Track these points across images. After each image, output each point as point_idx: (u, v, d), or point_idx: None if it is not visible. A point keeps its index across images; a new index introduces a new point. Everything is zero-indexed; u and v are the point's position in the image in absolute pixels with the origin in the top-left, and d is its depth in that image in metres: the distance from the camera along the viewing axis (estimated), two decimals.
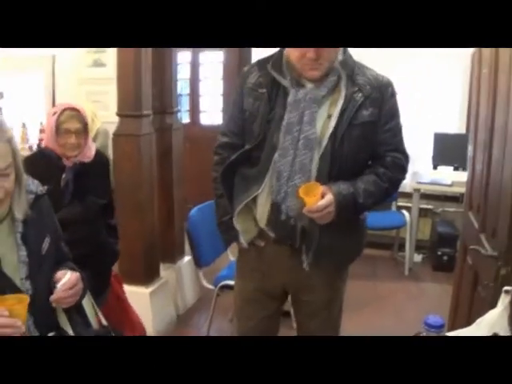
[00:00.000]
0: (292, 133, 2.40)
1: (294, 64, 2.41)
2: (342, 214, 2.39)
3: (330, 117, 2.41)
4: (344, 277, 2.76)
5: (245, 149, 2.54)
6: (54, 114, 3.17)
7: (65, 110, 3.17)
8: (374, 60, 6.25)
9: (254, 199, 2.55)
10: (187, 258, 5.05)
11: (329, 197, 2.33)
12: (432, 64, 6.36)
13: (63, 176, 3.19)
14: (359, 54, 2.58)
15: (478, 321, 1.84)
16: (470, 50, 5.73)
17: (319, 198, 2.31)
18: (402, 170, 2.59)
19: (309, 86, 2.43)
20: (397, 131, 2.57)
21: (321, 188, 2.32)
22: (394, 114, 2.55)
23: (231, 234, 2.64)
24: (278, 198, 2.46)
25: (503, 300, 1.83)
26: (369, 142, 2.47)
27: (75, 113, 3.17)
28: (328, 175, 2.41)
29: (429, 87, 6.48)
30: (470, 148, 3.11)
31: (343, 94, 2.41)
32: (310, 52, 2.29)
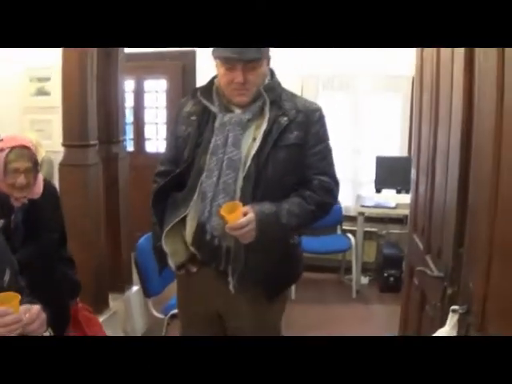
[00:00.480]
0: (217, 154, 2.51)
1: (224, 90, 2.55)
2: (265, 233, 2.44)
3: (254, 139, 2.52)
4: (277, 305, 2.76)
5: (175, 173, 2.64)
6: (1, 151, 2.99)
7: (13, 147, 2.97)
8: (314, 83, 6.43)
9: (184, 222, 2.61)
10: (136, 288, 5.01)
11: (250, 215, 2.40)
12: (373, 88, 6.48)
13: (12, 217, 3.04)
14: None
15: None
16: (410, 74, 5.88)
17: (240, 216, 2.38)
18: (330, 193, 2.67)
19: (236, 111, 2.56)
20: (325, 155, 2.66)
21: (241, 206, 2.41)
22: (321, 137, 2.65)
23: (163, 259, 2.68)
24: (203, 218, 2.54)
25: (451, 319, 1.89)
26: (295, 164, 2.56)
27: (25, 151, 3.00)
28: (252, 196, 2.49)
29: (370, 111, 6.60)
30: (413, 171, 3.17)
31: (267, 117, 2.52)
32: (238, 77, 2.43)
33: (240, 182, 2.50)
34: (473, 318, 1.87)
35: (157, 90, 7.36)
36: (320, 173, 2.62)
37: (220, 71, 2.53)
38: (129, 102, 7.24)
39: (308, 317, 5.21)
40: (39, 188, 3.14)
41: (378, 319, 5.39)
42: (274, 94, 2.55)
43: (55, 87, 6.10)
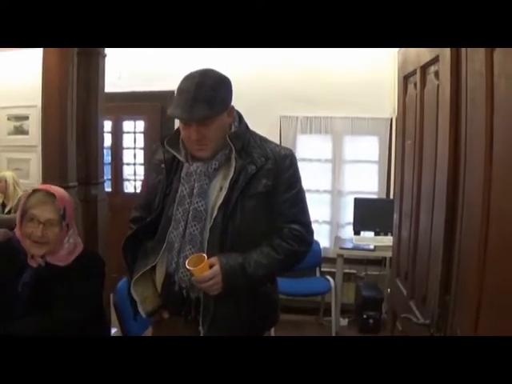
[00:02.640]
0: (183, 205, 2.49)
1: (186, 145, 2.53)
2: (231, 285, 2.42)
3: (221, 189, 2.48)
4: None
5: (145, 222, 2.62)
6: (26, 193, 2.64)
7: (37, 190, 2.60)
8: (292, 125, 6.47)
9: (154, 271, 2.61)
10: (114, 330, 4.93)
11: (215, 268, 2.38)
12: (351, 130, 6.53)
13: (22, 277, 2.56)
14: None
15: None
16: (389, 115, 5.95)
17: (205, 269, 2.36)
18: (301, 241, 2.59)
19: (198, 159, 2.51)
20: (295, 201, 2.58)
21: (206, 259, 2.37)
22: (291, 184, 2.56)
23: (134, 306, 2.65)
24: (170, 269, 2.52)
25: None
26: (264, 213, 2.51)
27: (49, 198, 2.56)
28: (219, 247, 2.45)
29: (349, 154, 6.64)
30: (395, 215, 3.18)
31: (233, 166, 2.46)
32: (192, 134, 2.40)
33: (207, 233, 2.47)
34: None
35: (135, 131, 7.34)
36: (290, 221, 2.56)
37: (180, 126, 2.50)
38: (107, 142, 7.23)
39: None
40: (68, 254, 2.66)
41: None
42: (241, 142, 2.50)
43: (33, 126, 6.08)
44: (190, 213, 2.46)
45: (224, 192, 2.45)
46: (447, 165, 2.13)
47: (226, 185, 2.46)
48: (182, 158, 2.54)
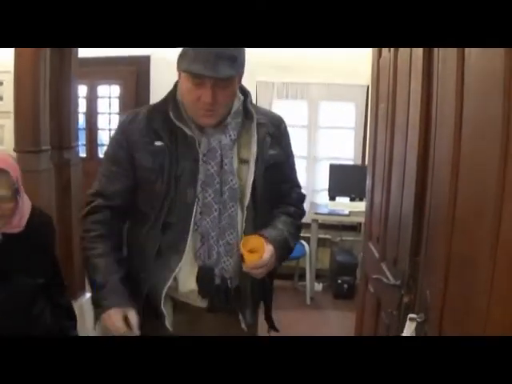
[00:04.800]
0: (213, 185, 2.17)
1: (187, 108, 2.20)
2: (280, 262, 2.31)
3: (243, 162, 2.26)
4: None
5: (152, 216, 2.22)
6: None
7: None
8: (268, 91, 6.44)
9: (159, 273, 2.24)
10: (89, 295, 4.94)
11: (270, 248, 2.19)
12: (328, 97, 6.53)
13: None
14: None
15: None
16: (365, 83, 5.94)
17: (266, 251, 2.15)
18: (303, 202, 2.59)
19: (210, 131, 2.22)
20: (294, 165, 2.56)
21: (263, 241, 2.17)
22: (291, 149, 2.49)
23: (116, 302, 2.19)
24: (210, 263, 2.20)
25: (409, 327, 1.91)
26: (277, 182, 2.38)
27: (2, 177, 2.31)
28: (253, 225, 2.26)
29: (325, 120, 6.64)
30: (368, 180, 3.20)
31: (255, 136, 2.27)
32: (207, 96, 2.07)
33: (244, 213, 2.24)
34: (430, 327, 1.89)
35: (110, 96, 7.27)
36: (296, 185, 2.53)
37: (184, 86, 2.14)
38: (82, 107, 7.16)
39: (262, 323, 5.19)
40: (21, 220, 2.47)
41: (332, 325, 5.41)
42: (252, 109, 2.30)
43: (8, 92, 6.00)
44: (227, 193, 2.18)
45: (252, 166, 2.24)
46: (418, 130, 2.15)
47: (251, 157, 2.25)
48: (190, 132, 2.19)
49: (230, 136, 2.22)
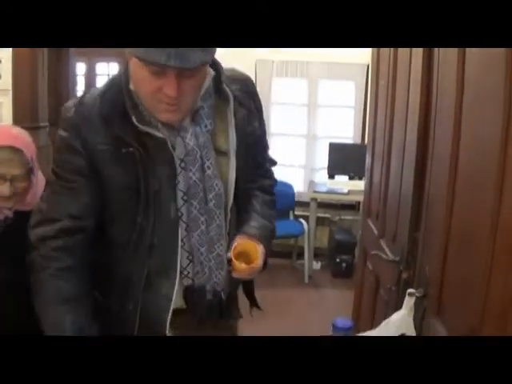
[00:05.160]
0: (197, 195, 1.80)
1: (144, 102, 1.70)
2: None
3: (220, 154, 1.86)
4: None
5: (133, 236, 1.81)
6: None
7: (0, 148, 2.18)
8: (268, 69, 6.42)
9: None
10: None
11: (261, 249, 1.93)
12: (328, 75, 6.51)
13: None
14: None
15: (385, 322, 1.91)
16: (365, 62, 5.92)
17: (257, 257, 1.89)
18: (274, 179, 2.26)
19: (181, 124, 1.77)
20: (265, 131, 2.16)
21: (255, 245, 1.90)
22: (262, 112, 2.07)
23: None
24: (201, 280, 1.89)
25: (408, 302, 1.92)
26: (254, 156, 2.04)
27: (14, 154, 2.17)
28: (236, 225, 1.98)
29: (324, 98, 6.63)
30: (367, 157, 3.20)
31: (232, 121, 1.86)
32: (170, 88, 1.59)
33: (226, 215, 1.93)
34: (429, 302, 1.91)
35: (109, 73, 7.25)
36: (267, 153, 2.18)
37: (139, 74, 1.63)
38: (80, 85, 7.14)
39: (260, 300, 5.21)
40: (34, 197, 2.28)
41: (330, 303, 5.43)
42: (221, 81, 1.83)
43: (6, 70, 5.97)
44: (213, 201, 1.83)
45: (233, 159, 1.87)
46: (419, 108, 2.15)
47: (230, 148, 1.86)
48: (159, 134, 1.73)
49: (205, 127, 1.80)
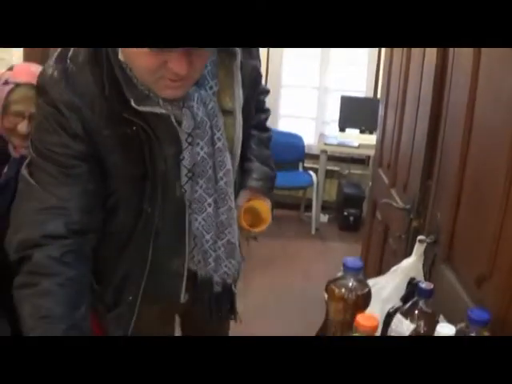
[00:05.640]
0: (205, 173, 1.59)
1: (142, 79, 1.42)
2: None
3: (227, 114, 1.62)
4: None
5: (139, 224, 1.60)
6: (5, 84, 2.24)
7: (20, 84, 2.22)
8: None
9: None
10: None
11: (269, 205, 1.85)
12: None
13: (5, 170, 2.29)
14: None
15: (393, 269, 1.90)
16: None
17: (269, 216, 1.81)
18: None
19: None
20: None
21: (266, 205, 1.82)
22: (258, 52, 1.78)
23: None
24: (206, 269, 1.72)
25: (418, 249, 1.91)
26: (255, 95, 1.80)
27: (34, 92, 1.89)
28: (239, 189, 1.81)
29: (337, 51, 6.54)
30: (381, 106, 3.17)
31: (239, 75, 1.61)
32: (177, 64, 1.30)
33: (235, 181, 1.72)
34: (439, 249, 1.89)
35: None
36: (261, 87, 1.92)
37: (136, 49, 1.31)
38: None
39: (267, 250, 5.22)
40: None
41: (336, 255, 5.40)
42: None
43: None
44: (223, 179, 1.62)
45: (239, 117, 1.63)
46: (435, 57, 2.12)
47: (237, 105, 1.62)
48: (162, 110, 1.46)
49: (210, 88, 1.56)
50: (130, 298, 1.67)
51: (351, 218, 6.12)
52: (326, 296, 1.41)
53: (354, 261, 1.40)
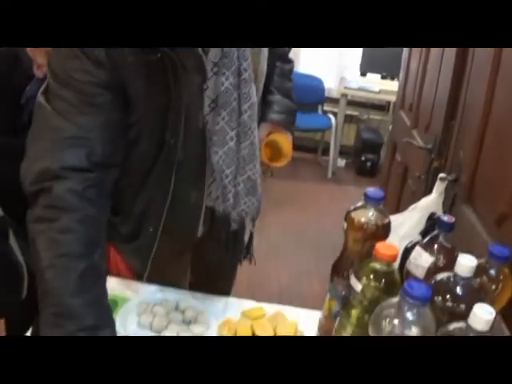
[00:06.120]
0: (228, 104, 1.52)
1: None
2: None
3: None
4: None
5: (161, 156, 1.53)
6: None
7: None
8: None
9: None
10: None
11: (291, 139, 1.81)
12: None
13: (27, 88, 2.12)
14: None
15: (412, 206, 1.90)
16: None
17: (290, 151, 1.78)
18: None
19: None
20: None
21: (288, 139, 1.79)
22: None
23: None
24: (227, 208, 1.66)
25: (438, 187, 1.89)
26: None
27: None
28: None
29: None
30: (405, 50, 3.13)
31: None
32: None
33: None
34: (460, 188, 1.88)
35: None
36: None
37: None
38: None
39: (283, 191, 5.23)
40: None
41: (352, 199, 5.40)
42: None
43: None
44: (247, 112, 1.56)
45: (264, 50, 1.60)
46: None
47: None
48: None
49: None
50: (151, 229, 1.63)
51: (368, 164, 6.10)
52: (344, 225, 1.40)
53: (375, 190, 1.39)
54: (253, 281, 3.37)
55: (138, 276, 1.74)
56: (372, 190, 1.39)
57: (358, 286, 1.23)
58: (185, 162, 1.54)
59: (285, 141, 1.76)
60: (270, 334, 1.49)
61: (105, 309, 1.31)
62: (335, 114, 6.16)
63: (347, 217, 1.39)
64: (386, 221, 1.37)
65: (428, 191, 2.03)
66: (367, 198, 1.37)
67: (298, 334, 1.53)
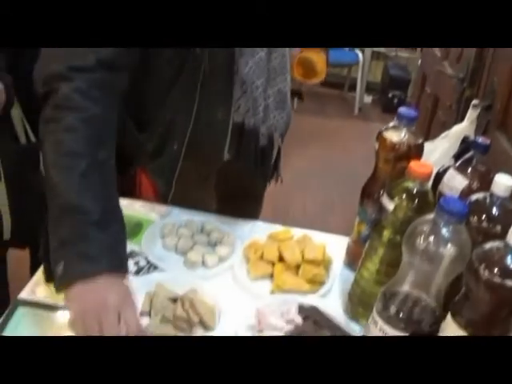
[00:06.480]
0: None
1: None
2: None
3: None
4: None
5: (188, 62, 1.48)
6: None
7: None
8: None
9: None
10: None
11: (324, 54, 1.71)
12: None
13: None
14: None
15: (444, 134, 1.87)
16: None
17: (325, 67, 1.70)
18: None
19: None
20: None
21: (323, 55, 1.69)
22: None
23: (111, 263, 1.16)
24: (253, 120, 1.61)
25: (471, 115, 1.87)
26: None
27: None
28: None
29: None
30: None
31: None
32: None
33: None
34: (494, 115, 1.85)
35: None
36: None
37: None
38: None
39: (308, 127, 5.18)
40: None
41: None
42: None
43: None
44: None
45: None
46: None
47: None
48: None
49: None
50: (175, 146, 1.60)
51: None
52: (376, 145, 1.37)
53: (408, 110, 1.36)
54: (279, 210, 3.37)
55: (163, 199, 1.72)
56: (405, 110, 1.35)
57: (390, 206, 1.21)
58: (212, 74, 1.48)
59: (319, 57, 1.68)
60: (298, 256, 1.48)
61: (113, 206, 1.28)
62: (362, 50, 6.06)
63: (379, 137, 1.36)
64: (419, 141, 1.34)
65: (459, 120, 2.00)
66: (400, 117, 1.34)
67: (326, 258, 1.52)
